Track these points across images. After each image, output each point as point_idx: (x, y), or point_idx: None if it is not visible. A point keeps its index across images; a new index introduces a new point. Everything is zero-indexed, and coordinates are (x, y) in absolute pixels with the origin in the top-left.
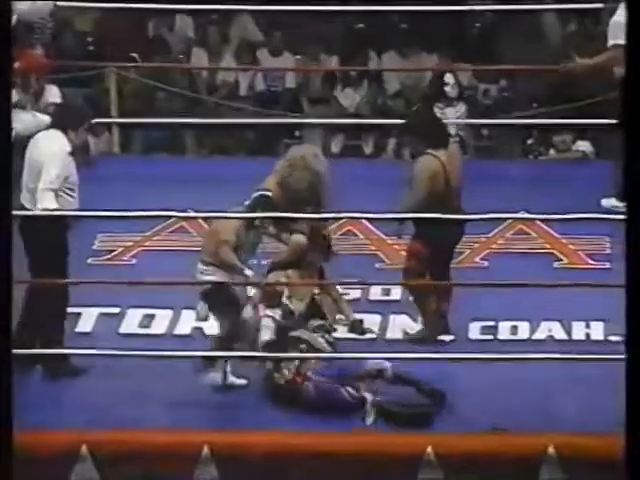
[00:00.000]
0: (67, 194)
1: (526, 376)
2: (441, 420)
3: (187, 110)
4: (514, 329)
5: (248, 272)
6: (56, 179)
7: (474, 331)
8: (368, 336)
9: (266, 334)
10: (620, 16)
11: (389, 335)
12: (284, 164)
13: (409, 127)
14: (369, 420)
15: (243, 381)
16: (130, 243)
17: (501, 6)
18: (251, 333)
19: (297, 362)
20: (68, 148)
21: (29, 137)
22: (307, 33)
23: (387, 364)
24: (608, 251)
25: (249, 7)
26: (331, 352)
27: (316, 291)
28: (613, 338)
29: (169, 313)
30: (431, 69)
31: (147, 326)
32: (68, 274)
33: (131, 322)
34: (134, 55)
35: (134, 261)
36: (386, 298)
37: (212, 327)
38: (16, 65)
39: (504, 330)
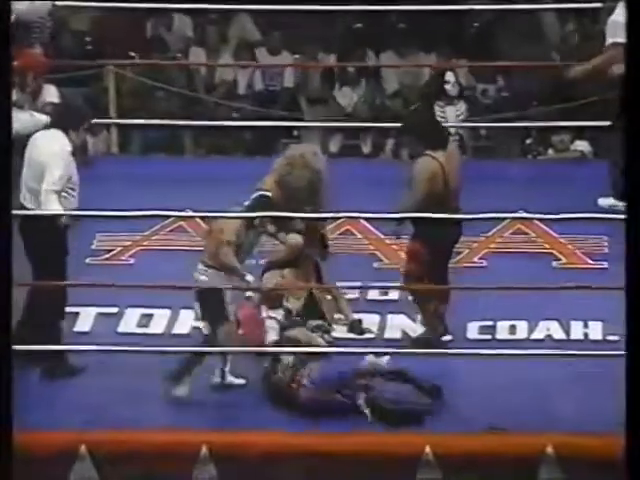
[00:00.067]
0: (69, 194)
1: (524, 376)
2: (439, 420)
3: (185, 109)
4: (512, 329)
5: (249, 277)
6: (59, 180)
7: (472, 331)
8: (367, 336)
9: (271, 335)
10: (618, 15)
11: (387, 335)
12: (283, 163)
13: (407, 128)
14: (368, 419)
15: (242, 381)
16: (128, 243)
17: (499, 6)
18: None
19: (292, 369)
20: (69, 148)
21: (27, 137)
22: (305, 33)
23: (384, 363)
24: (606, 251)
25: (248, 7)
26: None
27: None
28: (611, 338)
29: (167, 313)
30: (431, 66)
31: (145, 326)
32: (67, 273)
33: (129, 322)
34: (132, 54)
35: (132, 261)
36: (384, 298)
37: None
38: (14, 64)
39: (502, 330)
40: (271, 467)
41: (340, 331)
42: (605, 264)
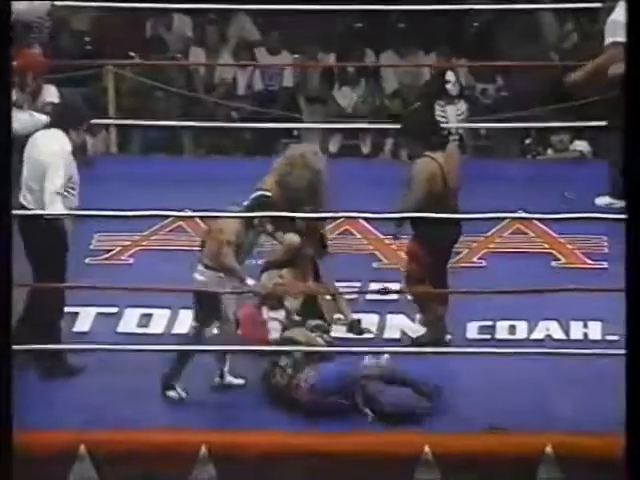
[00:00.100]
0: (70, 194)
1: (524, 376)
2: (439, 419)
3: (185, 109)
4: (512, 329)
5: (250, 281)
6: (61, 181)
7: (472, 331)
8: (366, 336)
9: (274, 336)
10: (618, 14)
11: (387, 335)
12: (283, 162)
13: (406, 129)
14: (368, 419)
15: (241, 381)
16: (128, 243)
17: (499, 6)
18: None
19: (292, 369)
20: (69, 147)
21: (27, 136)
22: (305, 32)
23: (383, 362)
24: (606, 250)
25: (247, 6)
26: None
27: (312, 286)
28: (611, 338)
29: (167, 312)
30: (430, 66)
31: (145, 325)
32: (66, 273)
33: (129, 321)
34: (132, 55)
35: (131, 261)
36: (383, 298)
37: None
38: (14, 64)
39: (502, 330)
40: (270, 467)
41: (339, 331)
42: (605, 264)
